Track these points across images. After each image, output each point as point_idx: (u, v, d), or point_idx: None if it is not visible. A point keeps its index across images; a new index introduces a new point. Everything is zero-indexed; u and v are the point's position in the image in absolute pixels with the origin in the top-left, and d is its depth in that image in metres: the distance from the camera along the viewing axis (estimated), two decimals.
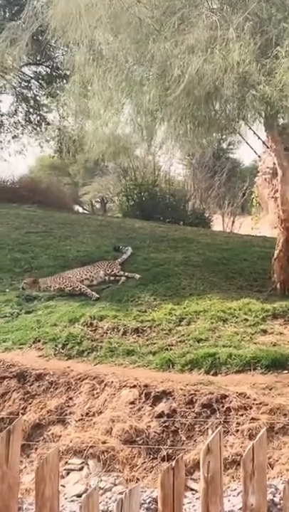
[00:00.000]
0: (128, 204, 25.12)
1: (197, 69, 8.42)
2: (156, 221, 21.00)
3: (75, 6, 9.34)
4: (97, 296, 11.02)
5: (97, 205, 39.25)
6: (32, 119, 25.54)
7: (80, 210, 34.84)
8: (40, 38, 15.68)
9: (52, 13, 9.75)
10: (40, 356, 9.11)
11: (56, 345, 9.25)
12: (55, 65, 23.69)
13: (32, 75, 24.81)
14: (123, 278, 11.66)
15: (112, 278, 11.76)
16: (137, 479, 7.02)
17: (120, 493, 6.26)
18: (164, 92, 9.19)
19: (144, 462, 7.18)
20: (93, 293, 11.12)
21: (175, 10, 9.15)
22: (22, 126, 25.60)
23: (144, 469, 7.12)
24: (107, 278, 11.78)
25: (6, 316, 10.42)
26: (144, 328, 9.60)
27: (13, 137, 25.78)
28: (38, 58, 22.34)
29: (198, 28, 8.59)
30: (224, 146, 35.45)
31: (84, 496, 2.99)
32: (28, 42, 10.82)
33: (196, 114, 9.76)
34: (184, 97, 8.97)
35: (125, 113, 10.85)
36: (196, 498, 6.02)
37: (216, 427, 7.20)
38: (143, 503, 5.53)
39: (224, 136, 22.58)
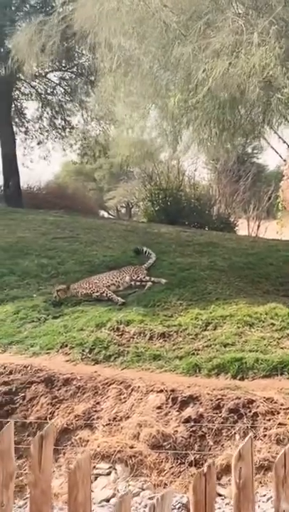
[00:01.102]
0: (153, 209, 25.14)
1: (222, 73, 8.42)
2: (181, 226, 20.99)
3: (101, 11, 9.39)
4: (123, 301, 11.04)
5: (123, 210, 39.30)
6: (57, 124, 25.71)
7: (106, 215, 34.92)
8: (66, 44, 15.76)
9: (78, 18, 9.80)
10: (67, 361, 9.16)
11: (83, 350, 9.29)
12: (79, 70, 23.84)
13: (57, 81, 24.98)
14: (149, 283, 11.64)
15: (138, 283, 11.75)
16: (165, 484, 7.03)
17: (150, 498, 6.30)
18: (189, 96, 9.21)
19: (172, 467, 7.18)
20: (118, 298, 11.13)
21: (201, 14, 9.16)
22: (47, 131, 25.77)
23: (172, 474, 7.13)
24: (133, 283, 11.76)
25: (33, 321, 10.48)
26: (171, 333, 9.60)
27: (38, 143, 25.94)
28: (63, 64, 22.48)
29: (223, 33, 8.59)
30: (249, 150, 35.33)
31: (117, 500, 3.01)
32: (55, 48, 10.88)
33: (221, 119, 9.76)
34: (209, 101, 9.00)
35: (151, 117, 10.87)
36: (226, 504, 6.02)
37: (244, 432, 7.21)
38: (172, 509, 5.53)
39: (248, 141, 22.54)
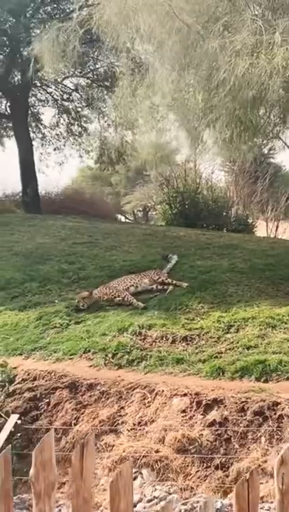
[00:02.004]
0: (171, 212, 25.13)
1: (243, 72, 8.43)
2: (199, 228, 20.97)
3: (119, 15, 9.44)
4: (143, 305, 11.04)
5: (139, 214, 39.33)
6: (73, 130, 25.80)
7: (122, 219, 34.96)
8: (82, 50, 15.81)
9: (96, 23, 9.84)
10: (90, 366, 9.17)
11: (106, 355, 9.30)
12: (95, 76, 23.92)
13: (73, 87, 25.08)
14: (170, 287, 11.64)
15: (159, 287, 11.74)
16: (192, 488, 7.02)
17: (183, 504, 6.30)
18: (211, 95, 9.23)
19: (198, 471, 7.17)
20: (139, 303, 11.14)
21: (219, 16, 9.18)
22: (64, 137, 25.87)
23: (198, 478, 7.11)
24: (154, 287, 11.76)
25: (55, 327, 10.52)
26: (193, 336, 9.59)
27: (54, 149, 26.04)
28: (78, 70, 22.56)
29: (244, 33, 8.60)
30: (265, 151, 35.22)
31: (160, 508, 3.01)
32: (72, 55, 10.92)
33: (243, 119, 9.76)
34: (230, 101, 9.00)
35: (169, 120, 10.88)
36: (261, 508, 5.99)
37: (270, 435, 7.19)
38: None
39: (265, 141, 22.48)
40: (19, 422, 7.77)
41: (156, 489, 7.09)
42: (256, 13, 9.69)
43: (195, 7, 9.60)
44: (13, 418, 7.60)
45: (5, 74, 22.84)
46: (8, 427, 7.44)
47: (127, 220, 35.84)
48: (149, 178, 31.96)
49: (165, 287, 11.70)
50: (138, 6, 9.58)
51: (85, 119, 25.85)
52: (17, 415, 7.79)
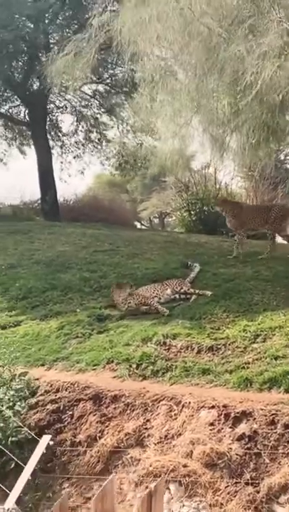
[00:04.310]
0: (190, 219, 24.91)
1: (270, 75, 8.26)
2: (220, 235, 20.73)
3: (140, 20, 9.32)
4: (167, 311, 10.87)
5: (155, 221, 39.20)
6: (92, 138, 25.72)
7: (138, 225, 34.85)
8: (100, 56, 15.69)
9: (116, 29, 9.72)
10: (114, 377, 9.01)
11: (130, 366, 9.13)
12: (113, 82, 23.82)
13: (91, 94, 24.99)
14: (194, 296, 11.44)
15: (182, 296, 11.55)
16: (221, 504, 6.82)
17: None
18: (237, 99, 9.07)
19: (228, 486, 6.98)
20: (164, 309, 10.97)
21: (243, 19, 9.02)
22: (83, 145, 25.78)
23: (228, 493, 6.92)
24: (177, 296, 11.57)
25: (78, 337, 10.38)
26: (219, 346, 9.38)
27: (74, 157, 25.94)
28: (97, 77, 22.47)
29: (270, 35, 8.43)
30: (281, 157, 34.95)
31: None
32: (91, 61, 10.81)
33: (270, 123, 9.58)
34: (257, 105, 8.84)
35: (193, 126, 10.72)
36: None
37: None
38: None
39: (281, 147, 22.24)
40: (51, 443, 7.58)
41: (184, 505, 6.92)
42: (280, 15, 9.50)
43: (218, 11, 9.45)
44: (45, 439, 7.41)
45: (23, 81, 22.80)
46: (40, 449, 7.25)
47: (143, 227, 35.71)
48: (165, 185, 31.80)
49: (188, 296, 11.51)
50: (157, 12, 9.45)
51: (103, 125, 25.75)
52: (49, 436, 7.59)
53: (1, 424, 7.99)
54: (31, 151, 25.58)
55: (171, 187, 30.05)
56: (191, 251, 14.76)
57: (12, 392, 8.46)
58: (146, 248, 15.79)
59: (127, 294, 11.31)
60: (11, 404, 8.28)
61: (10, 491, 6.95)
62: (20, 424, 7.99)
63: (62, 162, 25.82)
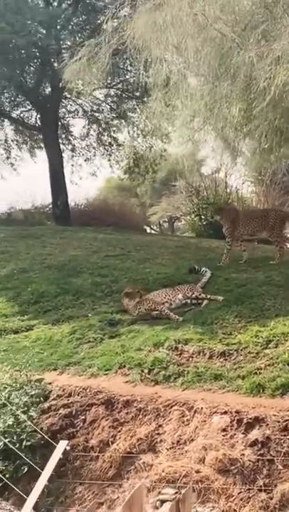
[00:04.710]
0: (201, 223, 24.89)
1: (283, 81, 8.25)
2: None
3: (153, 26, 9.35)
4: (180, 318, 10.86)
5: (165, 225, 39.18)
6: (103, 141, 25.77)
7: (148, 230, 34.85)
8: (112, 61, 15.72)
9: (129, 34, 9.75)
10: (126, 382, 9.00)
11: (142, 371, 9.12)
12: (125, 87, 23.87)
13: (102, 98, 25.05)
14: (206, 301, 11.42)
15: (194, 301, 11.53)
16: (234, 510, 6.81)
17: None
18: (250, 105, 9.07)
19: (240, 492, 6.96)
20: (176, 316, 10.96)
21: (256, 25, 9.02)
22: (94, 148, 25.84)
23: (241, 500, 6.90)
24: (188, 301, 11.55)
25: (90, 342, 10.39)
26: (231, 352, 9.35)
27: (85, 160, 26.00)
28: (109, 81, 22.52)
29: (283, 40, 8.42)
30: None
31: None
32: (104, 67, 10.83)
33: (283, 128, 9.57)
34: (271, 110, 8.83)
35: (205, 130, 10.73)
36: None
37: None
38: None
39: None
40: (68, 448, 7.60)
41: (197, 511, 6.89)
42: None
43: (231, 16, 9.47)
44: (62, 445, 7.42)
45: (35, 86, 22.88)
46: (57, 454, 7.27)
47: (152, 231, 35.70)
48: (175, 189, 31.79)
49: (200, 302, 11.49)
50: (171, 18, 9.47)
51: (114, 128, 25.80)
52: (66, 441, 7.61)
53: (17, 429, 8.02)
54: (42, 156, 25.71)
55: (181, 191, 30.05)
56: (203, 256, 14.75)
57: (27, 398, 8.48)
58: (157, 253, 15.80)
59: (136, 301, 11.27)
60: (25, 409, 8.31)
61: (23, 494, 6.98)
62: (36, 428, 8.01)
63: (72, 165, 25.89)
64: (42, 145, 25.48)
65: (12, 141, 25.80)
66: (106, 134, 25.79)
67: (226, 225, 14.40)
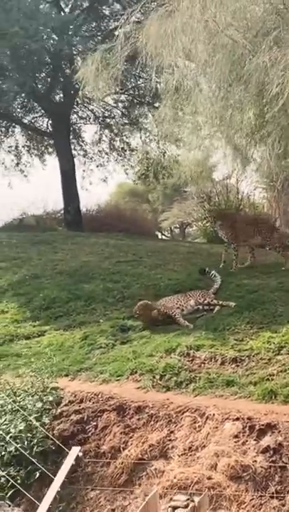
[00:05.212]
0: (212, 229, 24.84)
1: None
2: (242, 246, 20.64)
3: (165, 32, 9.37)
4: (190, 325, 10.84)
5: (176, 231, 39.16)
6: (116, 146, 25.79)
7: (159, 235, 34.84)
8: (124, 67, 15.75)
9: (141, 40, 9.77)
10: (138, 388, 9.01)
11: (154, 377, 9.13)
12: (136, 92, 23.90)
13: (114, 104, 25.09)
14: (217, 307, 11.39)
15: (206, 307, 11.50)
16: None
17: None
18: (261, 111, 9.07)
19: (252, 499, 6.95)
20: (187, 323, 10.94)
21: (268, 31, 9.03)
22: (106, 154, 25.85)
23: (253, 506, 6.90)
24: (200, 307, 11.53)
25: (101, 347, 10.40)
26: (243, 358, 9.35)
27: (97, 166, 26.00)
28: (120, 87, 22.56)
29: None
30: None
31: None
32: (117, 73, 10.85)
33: None
34: (283, 116, 8.83)
35: (217, 137, 10.73)
36: None
37: None
38: None
39: None
40: (80, 454, 7.61)
41: None
42: None
43: (242, 22, 9.47)
44: (75, 451, 7.43)
45: (47, 92, 22.93)
46: (69, 461, 7.27)
47: (164, 237, 35.69)
48: (186, 195, 31.78)
49: (212, 307, 11.47)
50: (182, 25, 9.48)
51: (127, 133, 25.80)
52: (78, 447, 7.62)
53: (28, 434, 8.03)
54: (52, 161, 25.73)
55: (192, 197, 30.03)
56: (214, 262, 14.70)
57: (41, 404, 8.50)
58: (169, 259, 15.78)
59: (153, 314, 11.20)
60: (38, 414, 8.32)
61: (35, 500, 6.99)
62: (48, 434, 8.02)
63: (84, 170, 25.88)
64: (52, 151, 25.50)
65: (23, 147, 25.85)
66: (118, 139, 25.78)
67: (228, 230, 14.40)
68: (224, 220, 14.76)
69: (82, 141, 25.96)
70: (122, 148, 25.74)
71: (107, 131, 25.67)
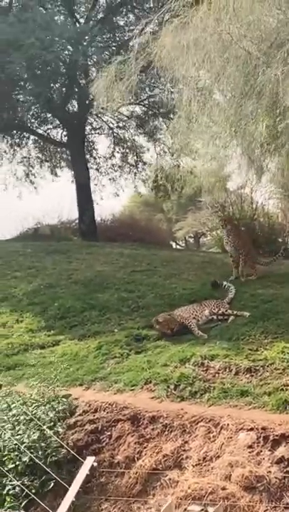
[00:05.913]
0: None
1: None
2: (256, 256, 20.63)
3: (179, 44, 9.43)
4: (204, 335, 10.85)
5: (191, 241, 39.17)
6: (129, 159, 25.82)
7: (174, 245, 34.86)
8: (138, 78, 15.81)
9: (156, 52, 9.84)
10: (152, 398, 9.00)
11: (168, 387, 9.12)
12: (151, 103, 23.95)
13: (128, 115, 25.14)
14: (232, 317, 11.40)
15: (220, 317, 11.50)
16: None
17: None
18: (276, 122, 9.11)
19: (267, 510, 6.92)
20: (201, 333, 10.95)
21: (282, 42, 9.06)
22: (119, 167, 25.87)
23: None
24: (215, 317, 11.53)
25: (116, 357, 10.41)
26: (257, 368, 9.33)
27: (110, 179, 26.01)
28: (134, 98, 22.64)
29: None
30: None
31: None
32: (132, 85, 10.93)
33: None
34: None
35: (231, 147, 10.77)
36: None
37: None
38: None
39: None
40: (95, 464, 7.63)
41: None
42: None
43: (256, 33, 9.51)
44: (89, 461, 7.45)
45: (62, 102, 23.06)
46: (84, 470, 7.29)
47: (178, 247, 35.70)
48: (201, 205, 31.78)
49: (226, 317, 11.47)
50: (196, 36, 9.54)
51: (140, 145, 25.82)
52: (93, 457, 7.64)
53: (42, 444, 8.06)
54: (66, 171, 25.83)
55: (207, 207, 30.02)
56: (228, 271, 14.69)
57: (53, 413, 8.53)
58: (183, 268, 15.80)
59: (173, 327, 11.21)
60: (51, 424, 8.35)
61: (49, 509, 7.00)
62: (63, 443, 8.04)
63: (96, 184, 25.88)
64: (66, 162, 25.59)
65: (36, 158, 25.96)
66: (132, 153, 25.80)
67: (235, 238, 14.40)
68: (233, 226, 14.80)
69: (96, 152, 26.01)
70: (136, 161, 25.72)
71: (121, 143, 25.64)
